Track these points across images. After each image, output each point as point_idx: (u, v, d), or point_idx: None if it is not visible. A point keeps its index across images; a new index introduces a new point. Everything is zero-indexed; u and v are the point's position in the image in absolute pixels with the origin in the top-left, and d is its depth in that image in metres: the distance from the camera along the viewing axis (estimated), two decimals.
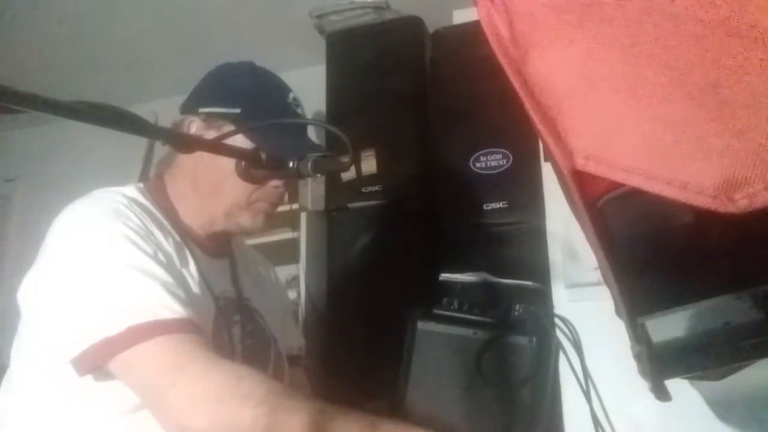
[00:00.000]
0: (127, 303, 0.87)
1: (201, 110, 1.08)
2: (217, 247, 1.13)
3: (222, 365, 0.86)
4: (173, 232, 1.02)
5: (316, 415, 0.82)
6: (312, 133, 1.15)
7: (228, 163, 0.99)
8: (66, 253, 0.93)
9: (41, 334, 0.95)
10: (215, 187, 1.06)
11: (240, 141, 1.02)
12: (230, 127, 1.04)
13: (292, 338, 1.29)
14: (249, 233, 1.14)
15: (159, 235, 0.97)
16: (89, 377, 0.87)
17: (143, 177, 2.65)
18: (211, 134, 1.05)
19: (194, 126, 1.08)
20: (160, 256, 0.93)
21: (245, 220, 1.08)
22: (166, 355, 0.85)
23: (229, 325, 1.07)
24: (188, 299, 0.92)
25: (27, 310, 0.96)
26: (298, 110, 1.12)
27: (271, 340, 1.16)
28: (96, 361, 0.86)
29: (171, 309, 0.87)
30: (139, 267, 0.89)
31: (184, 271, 0.99)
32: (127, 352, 0.84)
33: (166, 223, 1.02)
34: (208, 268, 1.06)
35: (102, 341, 0.84)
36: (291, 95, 1.12)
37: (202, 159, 1.02)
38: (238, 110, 1.06)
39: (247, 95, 1.09)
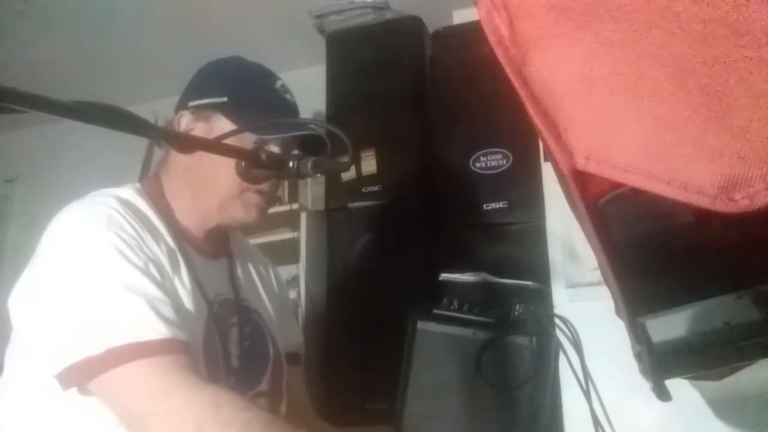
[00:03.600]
0: (110, 322, 0.85)
1: (190, 104, 1.09)
2: (214, 248, 1.12)
3: (203, 391, 0.84)
4: (167, 237, 1.01)
5: None
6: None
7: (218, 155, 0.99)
8: (54, 265, 0.92)
9: (29, 345, 0.94)
10: (207, 179, 1.05)
11: (228, 128, 1.03)
12: (218, 117, 1.06)
13: (291, 336, 1.29)
14: (244, 226, 1.12)
15: (151, 242, 0.96)
16: (74, 390, 0.86)
17: (143, 177, 2.65)
18: (200, 126, 1.07)
19: (184, 120, 1.08)
20: (151, 268, 0.92)
21: (238, 211, 1.07)
22: (145, 379, 0.84)
23: (226, 329, 1.06)
24: (176, 314, 0.90)
25: (16, 319, 0.96)
26: (287, 96, 1.11)
27: (269, 340, 1.16)
28: (76, 380, 0.85)
29: (154, 329, 0.86)
30: (126, 283, 0.88)
31: (175, 279, 0.97)
32: (107, 374, 0.83)
33: (160, 226, 1.01)
34: (205, 271, 1.06)
35: (82, 361, 0.83)
36: (279, 82, 1.11)
37: (193, 153, 1.02)
38: (224, 98, 1.07)
39: (233, 83, 1.09)
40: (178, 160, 1.07)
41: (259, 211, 1.08)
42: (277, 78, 1.12)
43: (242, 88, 1.09)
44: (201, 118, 1.08)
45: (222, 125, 1.05)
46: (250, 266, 1.24)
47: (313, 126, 1.10)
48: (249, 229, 1.14)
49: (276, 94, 1.10)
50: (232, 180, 1.02)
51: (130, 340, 0.84)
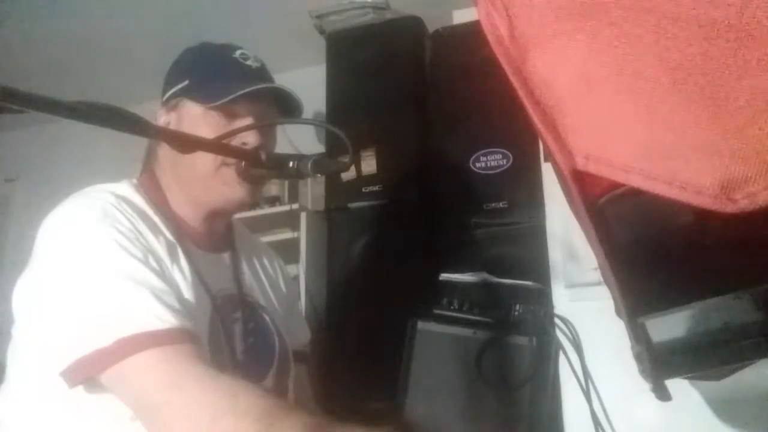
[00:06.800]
0: (117, 314, 0.85)
1: (163, 100, 1.11)
2: (215, 241, 1.11)
3: (218, 380, 0.83)
4: (165, 230, 1.00)
5: (315, 430, 0.81)
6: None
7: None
8: (55, 260, 0.91)
9: (33, 343, 0.93)
10: (188, 165, 1.04)
11: (194, 110, 1.04)
12: (184, 102, 1.06)
13: (299, 333, 1.28)
14: (233, 203, 1.08)
15: (149, 236, 0.95)
16: (80, 388, 0.85)
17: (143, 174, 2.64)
18: (172, 116, 1.08)
19: (161, 117, 1.09)
20: (151, 260, 0.92)
21: (220, 189, 1.04)
22: (158, 369, 0.83)
23: (229, 324, 1.05)
24: (180, 304, 0.90)
25: (19, 316, 0.95)
26: (248, 62, 1.09)
27: (275, 336, 1.14)
28: (86, 374, 0.84)
29: (162, 319, 0.85)
30: (129, 274, 0.87)
31: (176, 272, 0.96)
32: (118, 365, 0.82)
33: (157, 220, 1.00)
34: (205, 264, 1.05)
35: (91, 354, 0.83)
36: (239, 52, 1.09)
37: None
38: (186, 82, 1.07)
39: (192, 65, 1.10)
40: (165, 153, 1.07)
41: (243, 187, 1.04)
42: (237, 48, 1.10)
43: (200, 67, 1.09)
44: (172, 108, 1.08)
45: (188, 109, 1.06)
46: (256, 261, 1.23)
47: (280, 86, 1.08)
48: (242, 208, 1.10)
49: (234, 63, 1.08)
50: (206, 158, 1.01)
51: (139, 330, 0.83)
